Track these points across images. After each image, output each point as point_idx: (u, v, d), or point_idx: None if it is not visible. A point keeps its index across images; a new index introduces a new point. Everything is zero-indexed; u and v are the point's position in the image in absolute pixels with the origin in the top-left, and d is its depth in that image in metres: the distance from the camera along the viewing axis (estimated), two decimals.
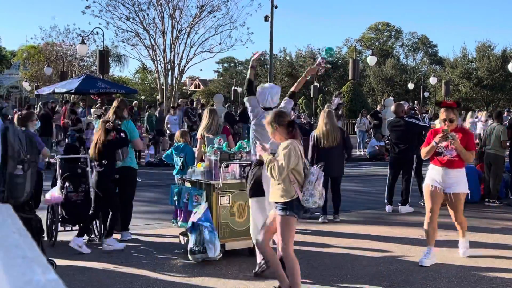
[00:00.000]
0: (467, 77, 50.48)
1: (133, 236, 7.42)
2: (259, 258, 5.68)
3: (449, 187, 6.30)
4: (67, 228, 7.30)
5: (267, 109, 5.91)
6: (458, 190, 6.31)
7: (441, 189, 6.36)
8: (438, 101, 7.05)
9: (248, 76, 6.06)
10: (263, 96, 5.93)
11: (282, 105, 6.12)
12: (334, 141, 8.60)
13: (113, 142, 6.78)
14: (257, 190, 5.67)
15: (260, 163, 5.74)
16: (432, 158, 6.45)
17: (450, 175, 6.28)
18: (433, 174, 6.44)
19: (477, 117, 22.92)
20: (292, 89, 6.32)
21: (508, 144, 10.92)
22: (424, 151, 6.49)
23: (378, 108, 22.90)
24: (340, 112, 21.23)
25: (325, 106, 20.24)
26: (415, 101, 32.96)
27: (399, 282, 5.58)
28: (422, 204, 10.35)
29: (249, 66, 6.20)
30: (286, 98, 6.23)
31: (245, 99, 6.10)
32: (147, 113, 21.12)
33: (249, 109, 6.00)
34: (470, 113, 22.78)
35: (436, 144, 6.23)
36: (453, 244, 7.31)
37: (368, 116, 22.07)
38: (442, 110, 6.38)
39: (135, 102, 30.61)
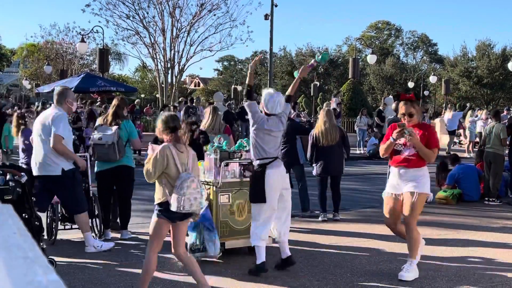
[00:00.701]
0: (467, 76, 50.48)
1: (133, 235, 7.43)
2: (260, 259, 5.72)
3: (405, 186, 5.62)
4: (67, 227, 7.30)
5: (270, 114, 5.88)
6: (414, 189, 5.55)
7: (399, 195, 5.72)
8: (397, 94, 6.54)
9: (247, 82, 5.97)
10: (273, 104, 5.82)
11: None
12: (334, 140, 8.62)
13: (197, 142, 7.04)
14: (256, 196, 5.73)
15: (261, 166, 5.76)
16: (390, 158, 5.85)
17: (407, 175, 5.63)
18: (390, 178, 5.86)
19: (476, 115, 22.92)
20: (288, 92, 6.25)
21: (508, 142, 10.91)
22: (382, 148, 5.90)
23: (381, 107, 22.51)
24: (338, 111, 21.14)
25: (324, 104, 20.25)
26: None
27: (398, 281, 5.59)
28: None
29: (249, 72, 6.05)
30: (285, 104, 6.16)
31: (245, 105, 6.05)
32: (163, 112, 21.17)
33: (249, 114, 5.90)
34: (470, 112, 22.79)
35: (394, 140, 5.63)
36: (453, 243, 7.32)
37: (376, 118, 21.72)
38: (401, 104, 5.77)
39: (137, 100, 30.61)
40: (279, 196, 5.85)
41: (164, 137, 4.83)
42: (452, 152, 15.65)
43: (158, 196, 4.79)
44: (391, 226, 5.95)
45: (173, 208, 4.61)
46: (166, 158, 4.67)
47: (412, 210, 5.58)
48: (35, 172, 6.35)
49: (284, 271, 5.82)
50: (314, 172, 8.95)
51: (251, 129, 5.90)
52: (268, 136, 5.80)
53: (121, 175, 7.20)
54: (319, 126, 8.76)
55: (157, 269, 5.88)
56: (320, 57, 6.50)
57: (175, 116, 5.00)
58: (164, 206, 4.72)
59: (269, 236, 6.58)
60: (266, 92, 6.00)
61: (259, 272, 5.67)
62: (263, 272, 5.67)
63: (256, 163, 5.86)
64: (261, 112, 5.93)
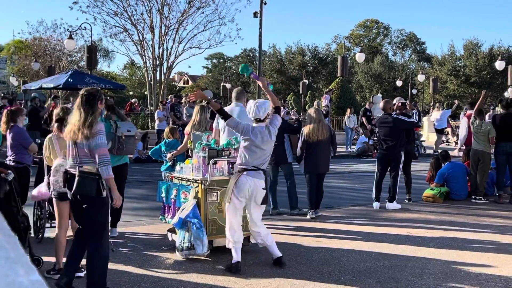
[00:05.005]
0: (455, 75, 50.77)
1: (121, 233, 7.40)
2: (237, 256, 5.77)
3: None
4: (53, 225, 7.24)
5: (258, 120, 5.92)
6: None
7: None
8: None
9: (214, 109, 6.00)
10: (249, 109, 5.99)
11: (268, 120, 6.05)
12: (323, 138, 8.67)
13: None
14: (227, 196, 5.84)
15: (242, 170, 5.77)
16: None
17: None
18: None
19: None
20: (273, 105, 6.19)
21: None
22: None
23: (367, 106, 22.61)
24: (329, 107, 21.17)
25: (315, 103, 20.25)
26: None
27: (385, 279, 5.61)
28: (407, 201, 10.42)
29: (210, 103, 6.07)
30: (273, 115, 6.15)
31: (225, 124, 6.16)
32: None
33: (234, 130, 6.01)
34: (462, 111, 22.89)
35: None
36: (440, 240, 7.37)
37: (362, 118, 21.77)
38: None
39: (134, 99, 30.42)
40: (247, 207, 5.87)
41: (53, 128, 5.73)
42: (439, 150, 15.72)
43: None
44: None
45: (51, 189, 5.42)
46: (50, 145, 5.60)
47: None
48: None
49: (272, 269, 5.84)
50: (302, 170, 8.97)
51: (241, 139, 5.92)
52: (253, 147, 5.77)
53: (124, 172, 7.24)
54: (309, 124, 8.81)
55: (143, 267, 5.87)
56: (240, 69, 6.66)
57: (65, 109, 5.77)
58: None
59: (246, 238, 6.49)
60: (250, 101, 6.12)
61: (234, 270, 5.69)
62: (238, 271, 5.68)
63: (237, 167, 5.91)
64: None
